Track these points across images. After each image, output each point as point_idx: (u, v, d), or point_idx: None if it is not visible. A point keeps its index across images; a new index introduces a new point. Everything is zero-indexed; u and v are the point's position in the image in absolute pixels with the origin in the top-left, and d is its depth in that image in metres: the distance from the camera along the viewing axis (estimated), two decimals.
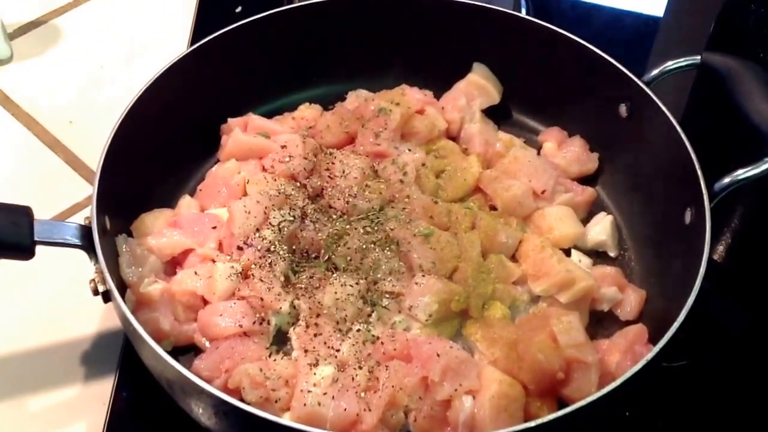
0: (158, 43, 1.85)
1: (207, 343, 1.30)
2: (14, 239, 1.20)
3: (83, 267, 1.23)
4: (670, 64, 1.44)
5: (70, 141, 1.65)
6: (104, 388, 1.33)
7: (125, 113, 1.37)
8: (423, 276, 1.33)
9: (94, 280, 1.22)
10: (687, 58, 1.43)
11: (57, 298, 1.43)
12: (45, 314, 1.42)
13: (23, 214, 1.22)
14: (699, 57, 1.41)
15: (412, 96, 1.57)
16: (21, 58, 1.81)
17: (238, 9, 1.89)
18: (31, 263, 1.24)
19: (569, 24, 1.57)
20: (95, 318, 1.40)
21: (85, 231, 1.23)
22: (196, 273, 1.33)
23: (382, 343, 1.27)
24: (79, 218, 1.29)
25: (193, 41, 1.81)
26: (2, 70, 1.78)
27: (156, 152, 1.45)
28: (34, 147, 1.65)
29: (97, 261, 1.21)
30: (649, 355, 1.14)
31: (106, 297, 1.22)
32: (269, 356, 1.26)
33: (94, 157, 1.31)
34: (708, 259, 1.22)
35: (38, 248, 1.22)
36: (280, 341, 1.32)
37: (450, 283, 1.34)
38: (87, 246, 1.22)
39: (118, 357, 1.36)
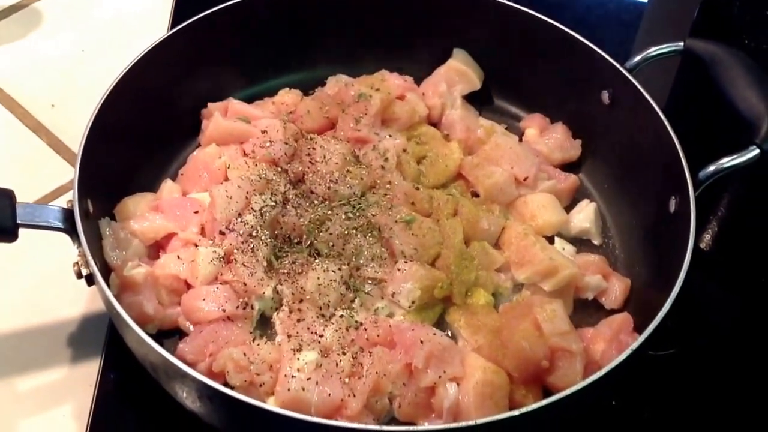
0: (139, 27, 1.84)
1: (191, 327, 1.29)
2: None
3: (69, 250, 1.23)
4: (653, 51, 1.44)
5: (53, 124, 1.64)
6: (91, 370, 1.33)
7: (105, 96, 1.36)
8: (405, 262, 1.33)
9: (77, 263, 1.21)
10: (670, 45, 1.43)
11: (43, 280, 1.43)
12: (31, 297, 1.41)
13: (5, 196, 1.21)
14: (682, 43, 1.41)
15: (393, 81, 1.57)
16: (2, 41, 1.79)
17: None
18: (16, 246, 1.23)
19: (552, 9, 1.56)
20: (81, 301, 1.39)
21: (68, 214, 1.22)
22: (178, 257, 1.33)
23: (365, 329, 1.27)
24: (63, 201, 1.27)
25: (173, 25, 1.79)
26: None
27: (137, 136, 1.44)
28: (16, 130, 1.64)
29: (80, 244, 1.20)
30: (635, 345, 1.14)
31: (90, 280, 1.21)
32: (253, 341, 1.26)
33: (77, 140, 1.30)
34: (693, 247, 1.22)
35: (23, 231, 1.21)
36: (264, 326, 1.31)
37: (433, 270, 1.34)
38: (69, 229, 1.22)
39: (104, 339, 1.35)
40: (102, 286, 1.17)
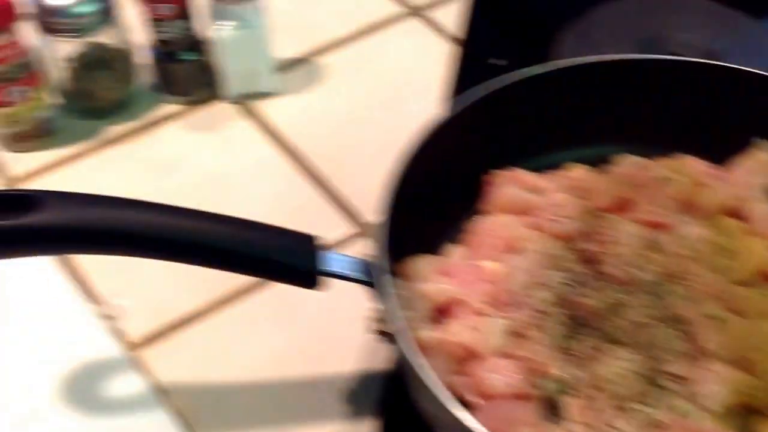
0: (420, 88, 1.82)
1: (476, 400, 1.21)
2: (299, 265, 1.18)
3: (353, 302, 1.22)
4: None
5: (335, 178, 1.65)
6: (365, 429, 1.30)
7: (400, 157, 1.33)
8: (714, 362, 1.22)
9: (373, 318, 1.18)
10: None
11: (320, 331, 1.42)
12: (309, 346, 1.40)
13: (308, 241, 1.20)
14: None
15: (695, 166, 1.47)
16: (288, 92, 1.82)
17: (500, 62, 1.84)
18: (301, 292, 1.21)
19: None
20: (359, 356, 1.37)
21: (369, 266, 1.20)
22: (467, 325, 1.25)
23: (666, 428, 1.16)
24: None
25: (457, 86, 1.80)
26: (271, 103, 1.80)
27: (423, 198, 1.38)
28: (298, 180, 1.66)
29: (378, 300, 1.16)
30: None
31: (384, 337, 1.18)
32: (544, 424, 1.17)
33: (357, 195, 1.37)
34: None
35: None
36: (553, 409, 1.22)
37: (745, 375, 1.22)
38: (370, 283, 1.19)
39: (381, 399, 1.33)
40: (402, 344, 1.12)
